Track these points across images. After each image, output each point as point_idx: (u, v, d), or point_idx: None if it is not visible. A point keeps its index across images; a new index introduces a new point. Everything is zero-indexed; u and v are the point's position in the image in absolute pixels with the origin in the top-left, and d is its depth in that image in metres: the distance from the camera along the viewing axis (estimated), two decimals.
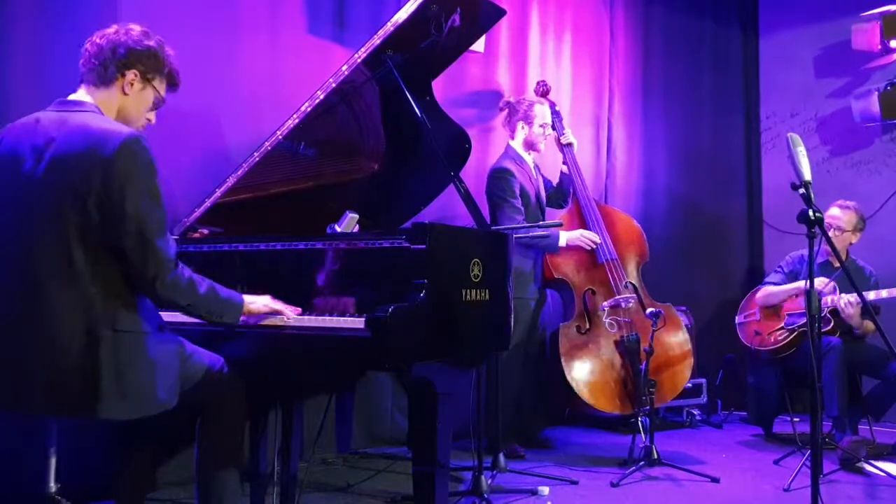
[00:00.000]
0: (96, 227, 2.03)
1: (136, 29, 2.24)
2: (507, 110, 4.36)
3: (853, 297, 4.06)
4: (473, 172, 4.44)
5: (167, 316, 2.28)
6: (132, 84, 2.22)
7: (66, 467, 2.90)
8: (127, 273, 2.07)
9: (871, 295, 4.08)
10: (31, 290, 2.04)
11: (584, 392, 4.10)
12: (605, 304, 4.23)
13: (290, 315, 2.34)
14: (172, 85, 2.33)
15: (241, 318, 2.27)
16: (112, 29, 2.23)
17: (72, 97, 2.21)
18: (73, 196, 2.02)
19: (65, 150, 2.05)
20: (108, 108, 2.21)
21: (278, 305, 2.35)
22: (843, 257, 4.31)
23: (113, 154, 2.02)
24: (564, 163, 4.47)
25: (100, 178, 2.01)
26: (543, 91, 4.55)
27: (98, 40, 2.21)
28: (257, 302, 2.32)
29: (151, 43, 2.25)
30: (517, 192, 4.11)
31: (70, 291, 2.02)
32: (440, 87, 3.51)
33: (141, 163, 2.05)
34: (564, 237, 4.18)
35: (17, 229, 2.09)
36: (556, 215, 4.54)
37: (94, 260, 2.04)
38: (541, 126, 4.29)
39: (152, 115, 2.34)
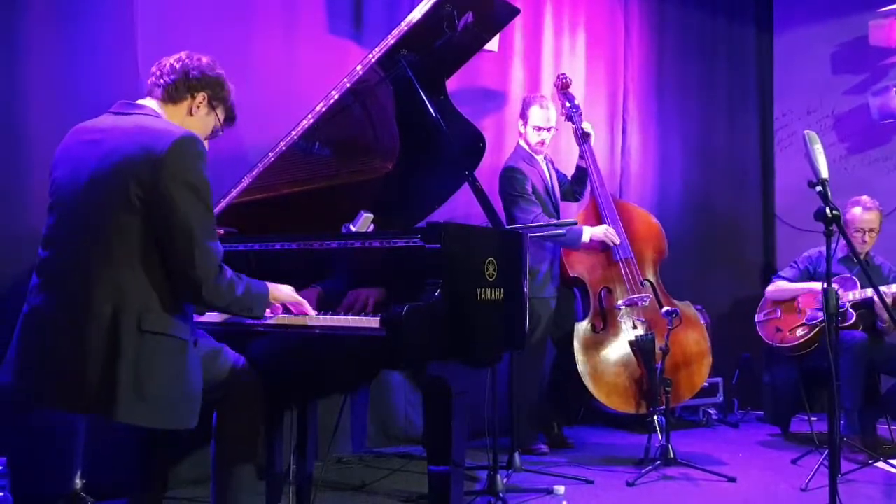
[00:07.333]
0: (141, 224, 2.02)
1: (205, 57, 2.31)
2: (522, 105, 4.32)
3: None
4: (488, 171, 4.43)
5: None
6: (199, 107, 2.29)
7: (91, 465, 2.93)
8: (170, 273, 2.05)
9: (894, 287, 4.07)
10: (71, 281, 2.04)
11: (597, 391, 4.08)
12: (621, 302, 4.18)
13: (311, 309, 2.36)
14: (230, 119, 2.40)
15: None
16: (183, 54, 2.29)
17: (137, 102, 2.25)
18: (121, 190, 2.01)
19: (116, 147, 2.06)
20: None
21: (298, 297, 2.37)
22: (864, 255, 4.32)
23: (166, 150, 2.02)
24: (581, 156, 4.37)
25: (149, 173, 2.01)
26: (563, 84, 4.46)
27: (172, 62, 2.27)
28: (281, 290, 2.34)
29: (220, 72, 2.32)
30: (528, 189, 4.08)
31: (104, 285, 2.00)
32: (454, 85, 3.51)
33: (193, 161, 2.06)
34: (588, 233, 4.13)
35: (72, 222, 2.09)
36: (571, 209, 4.51)
37: (134, 256, 2.02)
38: (534, 128, 4.16)
39: (207, 144, 2.36)
